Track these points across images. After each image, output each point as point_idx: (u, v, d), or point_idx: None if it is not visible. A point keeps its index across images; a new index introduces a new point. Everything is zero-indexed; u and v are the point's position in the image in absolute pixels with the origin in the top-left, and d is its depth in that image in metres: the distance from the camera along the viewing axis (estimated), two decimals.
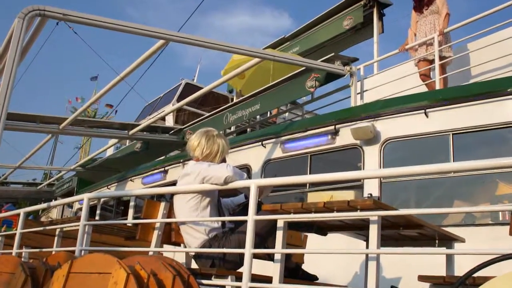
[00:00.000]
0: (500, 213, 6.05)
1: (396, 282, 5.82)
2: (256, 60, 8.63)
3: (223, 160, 4.43)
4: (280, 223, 3.57)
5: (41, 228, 6.27)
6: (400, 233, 3.93)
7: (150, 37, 7.37)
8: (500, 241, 5.75)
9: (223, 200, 4.57)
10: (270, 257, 4.11)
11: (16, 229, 6.04)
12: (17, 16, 6.37)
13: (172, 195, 4.46)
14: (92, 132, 12.42)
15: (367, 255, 3.42)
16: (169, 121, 15.45)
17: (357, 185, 7.15)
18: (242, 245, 3.65)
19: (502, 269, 2.47)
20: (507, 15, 7.75)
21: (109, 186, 13.69)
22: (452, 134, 6.60)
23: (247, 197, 4.31)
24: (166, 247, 4.80)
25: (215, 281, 3.69)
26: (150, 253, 4.38)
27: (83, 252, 4.68)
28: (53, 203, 7.43)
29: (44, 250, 5.80)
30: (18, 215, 6.12)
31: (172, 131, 12.65)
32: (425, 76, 8.51)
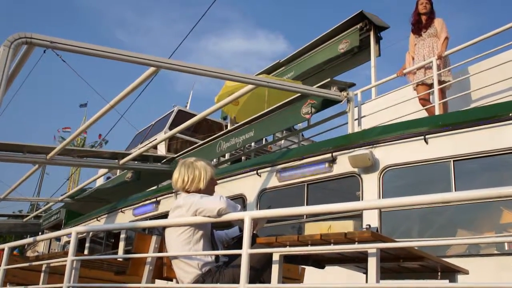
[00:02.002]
0: (505, 243, 5.85)
1: None
2: (250, 86, 8.51)
3: (213, 181, 4.34)
4: (275, 257, 3.48)
5: (27, 264, 6.02)
6: (401, 265, 3.80)
7: (140, 64, 7.23)
8: (506, 272, 5.59)
9: (216, 232, 4.45)
10: None
11: None
12: (2, 44, 6.22)
13: (164, 227, 4.28)
14: (81, 162, 12.21)
15: None
16: (161, 150, 15.29)
17: (356, 215, 6.95)
18: (236, 279, 3.55)
19: None
20: (508, 37, 7.66)
21: (99, 218, 13.48)
22: (453, 160, 6.46)
23: (241, 230, 4.16)
24: (158, 282, 4.61)
25: None
26: None
27: None
28: (39, 237, 7.19)
29: (29, 287, 5.60)
30: (3, 250, 5.90)
31: (164, 160, 12.50)
32: (424, 101, 8.38)
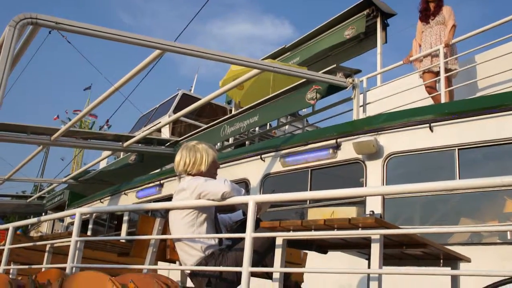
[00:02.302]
0: (508, 232, 5.84)
1: None
2: (256, 71, 8.46)
3: (215, 164, 4.33)
4: (279, 241, 3.48)
5: (31, 244, 6.04)
6: (403, 251, 3.81)
7: (145, 47, 7.19)
8: (508, 261, 5.59)
9: (220, 216, 4.45)
10: (268, 276, 4.01)
11: (3, 244, 5.82)
12: (8, 24, 6.18)
13: (167, 210, 4.28)
14: (84, 144, 12.21)
15: (368, 274, 3.36)
16: (165, 133, 15.28)
17: (359, 201, 6.94)
18: (239, 263, 3.55)
19: None
20: None
21: (102, 200, 13.50)
22: (458, 149, 6.43)
23: (245, 214, 4.16)
24: (161, 264, 4.62)
25: None
26: (144, 270, 4.26)
27: (74, 269, 4.54)
28: (43, 218, 7.20)
29: (33, 266, 5.64)
30: (7, 229, 5.91)
31: (168, 143, 12.49)
32: (431, 88, 8.33)
